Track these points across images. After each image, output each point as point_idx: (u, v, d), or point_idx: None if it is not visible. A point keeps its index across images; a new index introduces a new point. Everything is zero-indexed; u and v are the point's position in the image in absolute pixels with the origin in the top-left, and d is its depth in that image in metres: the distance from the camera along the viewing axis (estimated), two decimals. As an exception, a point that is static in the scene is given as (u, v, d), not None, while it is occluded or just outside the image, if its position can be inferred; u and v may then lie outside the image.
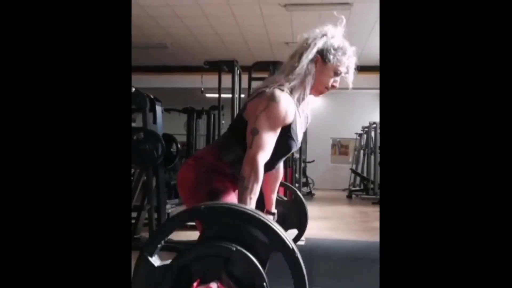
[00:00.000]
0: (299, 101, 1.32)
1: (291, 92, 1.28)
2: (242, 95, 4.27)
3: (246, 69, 4.31)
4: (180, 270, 0.91)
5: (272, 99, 1.23)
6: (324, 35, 1.32)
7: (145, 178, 3.35)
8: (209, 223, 0.94)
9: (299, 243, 1.99)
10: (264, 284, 0.88)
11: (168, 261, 0.93)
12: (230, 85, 4.00)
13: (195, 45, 6.40)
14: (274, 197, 1.62)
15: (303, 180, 7.53)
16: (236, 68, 3.99)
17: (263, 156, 1.21)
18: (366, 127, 7.83)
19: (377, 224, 4.56)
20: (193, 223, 1.56)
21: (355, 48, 1.37)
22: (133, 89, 3.10)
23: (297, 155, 5.68)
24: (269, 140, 1.22)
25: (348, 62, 1.33)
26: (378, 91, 8.60)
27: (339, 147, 10.01)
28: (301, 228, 1.91)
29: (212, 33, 5.82)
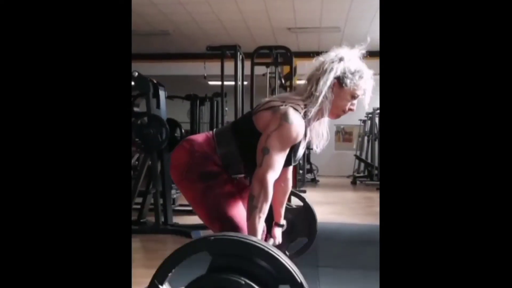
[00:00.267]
0: (310, 122, 1.34)
1: (305, 114, 1.30)
2: (245, 82, 4.26)
3: (249, 56, 4.29)
4: None
5: (285, 119, 1.25)
6: (341, 59, 1.32)
7: (150, 163, 3.37)
8: (217, 254, 0.96)
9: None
10: None
11: None
12: (232, 73, 3.98)
13: (197, 32, 6.36)
14: (282, 209, 1.64)
15: (307, 167, 7.54)
16: (238, 53, 3.97)
17: (273, 175, 1.24)
18: (370, 113, 7.80)
19: (381, 208, 4.55)
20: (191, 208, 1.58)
21: (373, 71, 1.37)
22: (136, 74, 3.10)
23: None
24: (279, 159, 1.26)
25: (365, 85, 1.34)
26: (382, 77, 8.53)
27: (343, 134, 9.98)
28: (311, 236, 1.93)
29: (214, 20, 5.78)
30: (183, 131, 3.84)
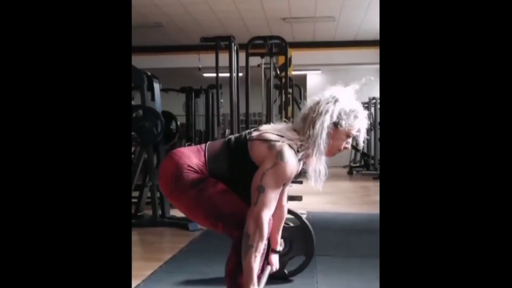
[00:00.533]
0: (307, 158, 1.37)
1: (299, 150, 1.32)
2: (240, 74, 4.24)
3: (243, 47, 4.26)
4: None
5: (281, 157, 1.28)
6: (336, 100, 1.34)
7: (145, 156, 3.37)
8: None
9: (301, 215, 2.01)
10: None
11: None
12: (227, 65, 3.95)
13: (191, 24, 6.31)
14: (279, 236, 1.66)
15: (304, 157, 7.55)
16: (233, 45, 3.94)
17: (268, 213, 1.28)
18: (366, 103, 7.80)
19: (377, 197, 4.60)
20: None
21: (367, 113, 1.40)
22: (130, 66, 3.08)
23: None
24: (273, 197, 1.29)
25: (360, 125, 1.37)
26: (376, 66, 8.53)
27: (339, 124, 9.99)
28: (309, 254, 1.94)
29: (208, 11, 5.73)
30: (178, 123, 3.82)
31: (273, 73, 5.05)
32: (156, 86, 3.34)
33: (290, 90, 5.47)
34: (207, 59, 4.48)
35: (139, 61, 5.85)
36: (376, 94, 7.63)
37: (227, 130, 6.31)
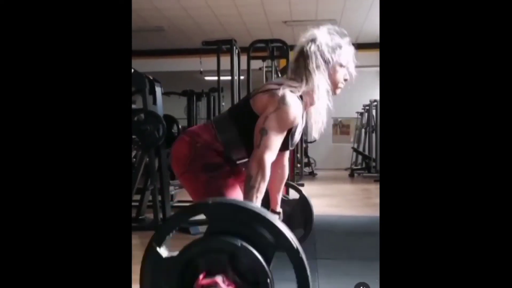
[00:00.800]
0: (306, 106, 1.38)
1: (302, 97, 1.33)
2: (242, 77, 4.25)
3: (245, 50, 4.28)
4: (186, 263, 0.93)
5: (283, 101, 1.27)
6: (315, 40, 1.38)
7: (147, 159, 3.38)
8: (215, 218, 0.96)
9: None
10: (268, 280, 0.89)
11: (175, 253, 0.96)
12: (229, 68, 3.97)
13: (192, 27, 6.33)
14: (279, 196, 1.65)
15: (305, 160, 7.55)
16: (234, 48, 3.96)
17: (270, 156, 1.25)
18: (367, 105, 7.80)
19: (378, 200, 4.57)
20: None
21: (349, 39, 1.44)
22: (132, 70, 3.09)
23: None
24: (276, 141, 1.27)
25: (346, 54, 1.40)
26: (377, 69, 8.52)
27: (340, 127, 9.99)
28: (307, 228, 1.93)
29: (209, 14, 5.75)
30: (180, 127, 3.83)
31: (274, 76, 5.06)
32: (158, 90, 3.35)
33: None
34: (209, 62, 4.50)
35: (141, 65, 5.88)
36: (377, 96, 7.63)
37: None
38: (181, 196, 4.22)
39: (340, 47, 1.38)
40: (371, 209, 4.11)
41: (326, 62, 1.35)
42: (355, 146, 8.45)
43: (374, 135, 7.44)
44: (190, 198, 1.48)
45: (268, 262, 0.91)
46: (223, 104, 5.15)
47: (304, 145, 6.96)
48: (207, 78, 6.95)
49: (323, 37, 1.39)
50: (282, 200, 1.69)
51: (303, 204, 1.93)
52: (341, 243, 2.83)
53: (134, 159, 3.85)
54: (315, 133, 1.42)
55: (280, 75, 5.22)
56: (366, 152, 7.81)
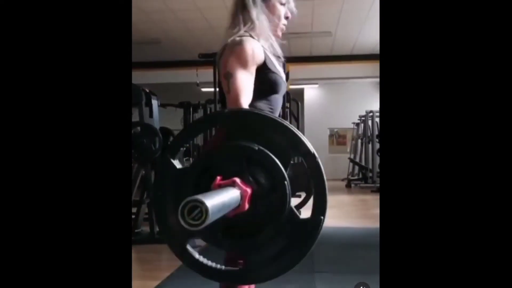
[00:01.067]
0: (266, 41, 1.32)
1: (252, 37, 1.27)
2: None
3: (241, 61, 4.30)
4: (202, 171, 0.90)
5: (236, 43, 1.22)
6: None
7: (143, 172, 3.36)
8: (231, 127, 0.93)
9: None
10: (286, 182, 0.89)
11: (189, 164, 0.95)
12: (225, 78, 3.98)
13: (189, 39, 6.37)
14: None
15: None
16: (230, 60, 3.98)
17: (244, 99, 1.16)
18: (363, 116, 7.84)
19: (376, 211, 4.60)
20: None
21: None
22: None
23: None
24: (245, 80, 1.18)
25: None
26: (373, 80, 8.61)
27: (337, 137, 10.03)
28: (309, 191, 1.90)
29: (206, 27, 5.80)
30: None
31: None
32: (154, 103, 3.36)
33: (287, 104, 5.50)
34: (205, 74, 4.51)
35: (138, 77, 5.90)
36: (373, 107, 7.68)
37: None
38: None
39: None
40: (369, 221, 4.10)
41: (264, 1, 1.30)
42: (352, 156, 8.46)
43: (370, 145, 7.46)
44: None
45: (285, 167, 0.90)
46: (220, 115, 5.14)
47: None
48: (203, 89, 6.97)
49: None
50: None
51: (303, 167, 1.89)
52: (338, 256, 2.81)
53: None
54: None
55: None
56: (363, 163, 7.82)
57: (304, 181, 2.05)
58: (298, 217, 0.91)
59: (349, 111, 9.14)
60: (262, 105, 1.26)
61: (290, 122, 6.09)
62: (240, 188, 0.83)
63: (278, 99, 1.34)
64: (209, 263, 0.91)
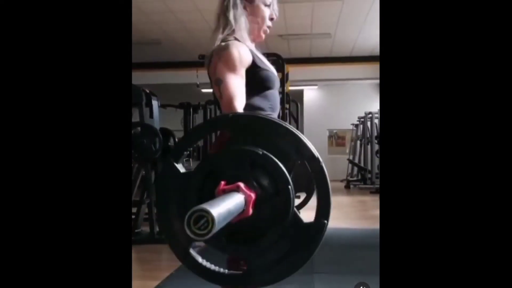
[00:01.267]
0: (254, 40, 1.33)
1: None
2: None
3: (241, 62, 4.30)
4: (206, 175, 0.90)
5: (222, 48, 1.22)
6: None
7: (143, 173, 3.37)
8: (235, 131, 0.93)
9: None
10: (290, 187, 0.89)
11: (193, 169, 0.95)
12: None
13: (189, 40, 6.38)
14: None
15: (301, 172, 7.55)
16: (231, 61, 3.98)
17: (237, 103, 1.16)
18: (362, 117, 7.86)
19: (375, 212, 4.61)
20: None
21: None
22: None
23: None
24: (236, 84, 1.18)
25: None
26: (372, 81, 8.62)
27: (336, 139, 10.04)
28: (310, 191, 1.90)
29: (206, 28, 5.80)
30: (176, 140, 3.84)
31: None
32: (155, 104, 3.37)
33: (287, 106, 5.51)
34: (205, 75, 4.51)
35: (138, 77, 5.90)
36: (372, 108, 7.70)
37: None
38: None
39: None
40: (368, 222, 4.12)
41: (249, 1, 1.31)
42: (351, 157, 8.48)
43: (369, 146, 7.48)
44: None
45: (289, 171, 0.90)
46: (219, 116, 5.15)
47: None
48: (203, 90, 6.98)
49: None
50: None
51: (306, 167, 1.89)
52: (338, 257, 2.82)
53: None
54: None
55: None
56: (362, 164, 7.84)
57: (304, 181, 2.05)
58: (301, 221, 0.92)
59: (348, 113, 9.16)
60: (260, 102, 1.27)
61: (289, 123, 6.10)
62: (244, 193, 0.83)
63: (274, 94, 1.35)
64: (212, 267, 0.92)
